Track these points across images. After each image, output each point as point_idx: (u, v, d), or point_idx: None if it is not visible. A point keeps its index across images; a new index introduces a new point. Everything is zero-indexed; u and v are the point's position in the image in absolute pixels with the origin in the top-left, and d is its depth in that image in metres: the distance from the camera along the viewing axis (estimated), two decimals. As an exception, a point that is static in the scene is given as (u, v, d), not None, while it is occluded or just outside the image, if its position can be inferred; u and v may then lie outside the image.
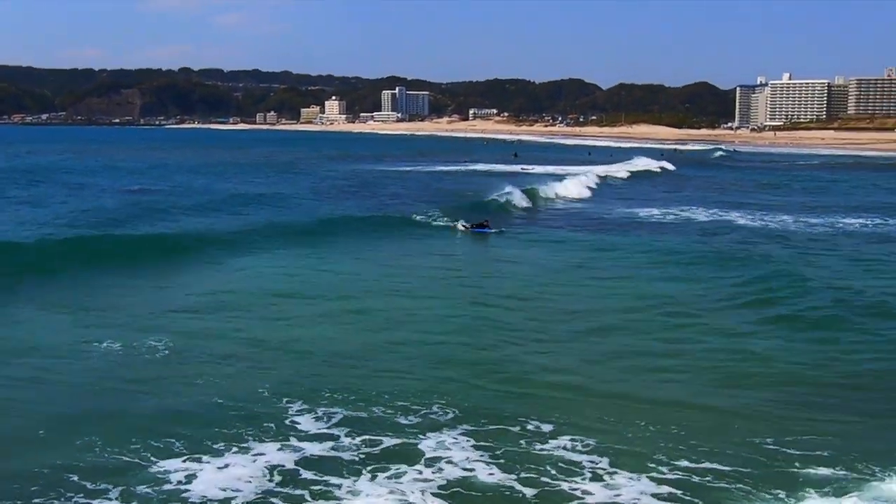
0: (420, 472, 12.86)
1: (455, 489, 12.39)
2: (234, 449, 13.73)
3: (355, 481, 12.66)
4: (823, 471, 12.69)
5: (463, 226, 42.48)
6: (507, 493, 12.30)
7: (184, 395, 16.61)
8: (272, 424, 14.81)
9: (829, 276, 30.20)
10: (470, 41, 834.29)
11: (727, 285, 28.00)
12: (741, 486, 12.34)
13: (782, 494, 11.90)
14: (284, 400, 16.15)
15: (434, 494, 12.24)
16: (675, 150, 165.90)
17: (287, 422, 15.03)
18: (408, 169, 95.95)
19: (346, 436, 14.22)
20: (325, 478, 12.80)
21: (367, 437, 14.18)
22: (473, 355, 19.35)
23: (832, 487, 12.09)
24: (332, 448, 13.79)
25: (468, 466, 13.04)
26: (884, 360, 19.26)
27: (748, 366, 18.68)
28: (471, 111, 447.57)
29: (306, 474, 12.99)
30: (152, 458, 13.44)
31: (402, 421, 14.89)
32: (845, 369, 18.34)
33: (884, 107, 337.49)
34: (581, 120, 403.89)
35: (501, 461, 13.23)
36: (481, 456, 13.39)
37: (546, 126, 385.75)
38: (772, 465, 12.94)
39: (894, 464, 12.87)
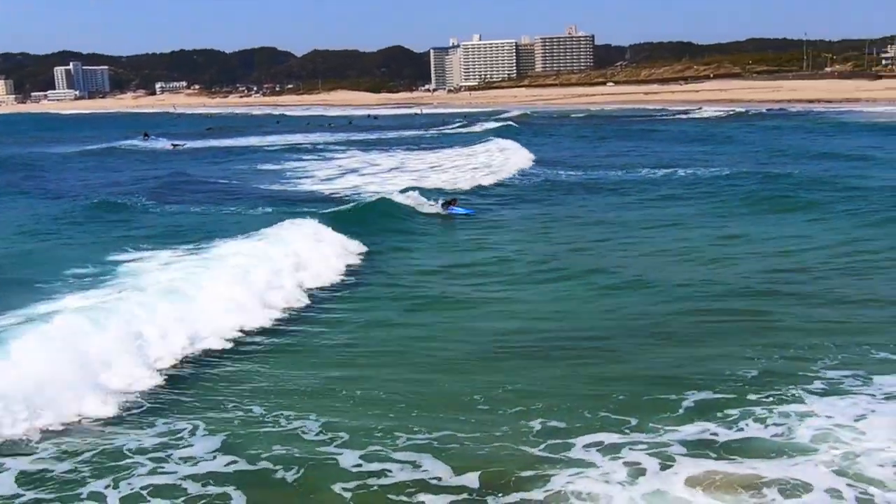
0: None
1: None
2: None
3: None
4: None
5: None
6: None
7: None
8: None
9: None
10: (149, 10, 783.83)
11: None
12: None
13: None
14: None
15: None
16: (370, 115, 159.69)
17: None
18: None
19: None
20: None
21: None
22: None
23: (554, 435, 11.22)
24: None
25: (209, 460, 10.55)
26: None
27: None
28: (157, 85, 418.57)
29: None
30: None
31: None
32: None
33: (567, 63, 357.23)
34: (277, 89, 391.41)
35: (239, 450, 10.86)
36: (214, 448, 10.93)
37: (241, 97, 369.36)
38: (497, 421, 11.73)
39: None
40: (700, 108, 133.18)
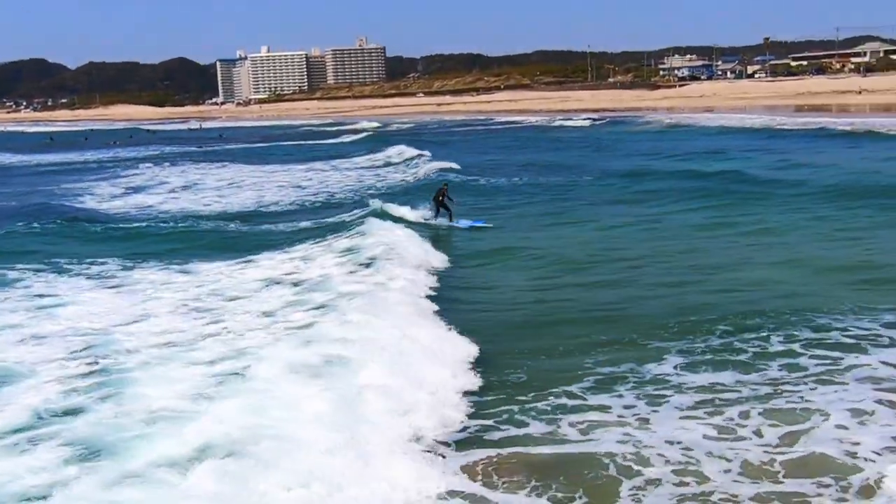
0: None
1: None
2: None
3: None
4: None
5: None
6: None
7: None
8: None
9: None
10: None
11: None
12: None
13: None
14: None
15: None
16: (148, 130, 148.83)
17: None
18: None
19: None
20: None
21: None
22: None
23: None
24: None
25: None
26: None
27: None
28: None
29: None
30: None
31: None
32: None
33: (359, 75, 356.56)
34: (50, 104, 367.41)
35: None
36: None
37: (9, 113, 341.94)
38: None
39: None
40: (523, 120, 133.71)
